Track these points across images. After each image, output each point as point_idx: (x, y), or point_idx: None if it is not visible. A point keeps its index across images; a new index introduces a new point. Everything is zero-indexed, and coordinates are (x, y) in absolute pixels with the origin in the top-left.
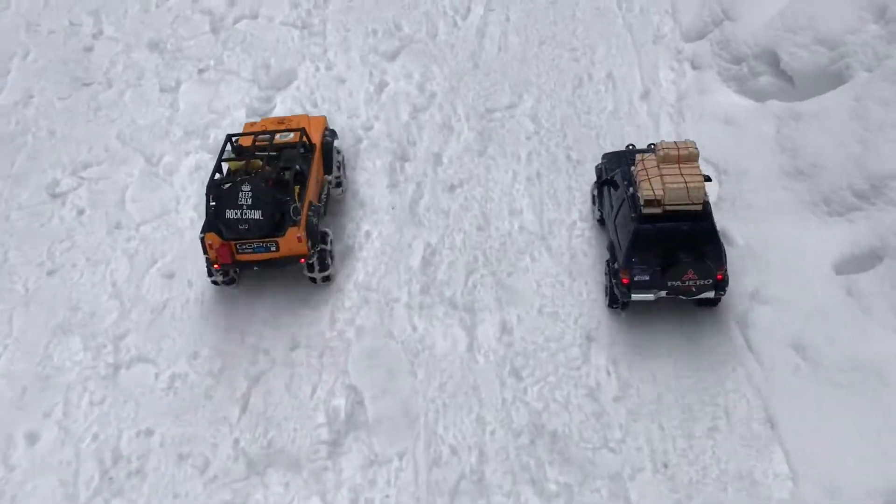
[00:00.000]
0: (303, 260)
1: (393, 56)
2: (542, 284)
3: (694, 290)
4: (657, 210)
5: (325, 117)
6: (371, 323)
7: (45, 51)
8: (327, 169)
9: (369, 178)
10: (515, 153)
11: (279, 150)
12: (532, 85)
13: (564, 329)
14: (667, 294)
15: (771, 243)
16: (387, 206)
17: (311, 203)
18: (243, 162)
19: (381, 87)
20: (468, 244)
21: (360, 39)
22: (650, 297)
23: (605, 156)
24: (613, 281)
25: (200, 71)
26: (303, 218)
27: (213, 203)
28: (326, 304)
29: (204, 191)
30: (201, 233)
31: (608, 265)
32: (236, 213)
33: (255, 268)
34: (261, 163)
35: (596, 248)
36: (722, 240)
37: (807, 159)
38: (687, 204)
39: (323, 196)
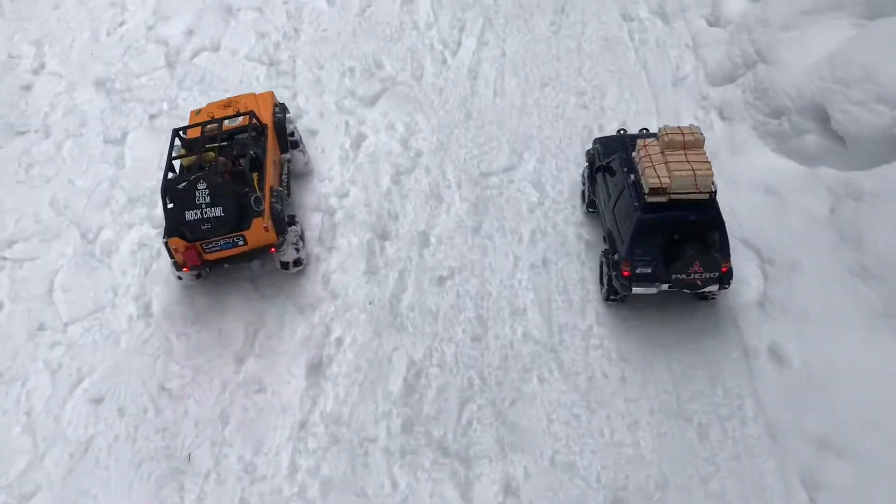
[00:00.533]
0: (273, 249)
1: (373, 101)
2: (553, 419)
3: (699, 283)
4: (662, 199)
5: (272, 92)
6: (340, 473)
7: None
8: (283, 148)
9: (343, 260)
10: (516, 231)
11: (230, 137)
12: (533, 140)
13: (584, 490)
14: (669, 287)
15: (837, 368)
16: (363, 300)
17: (272, 189)
18: (195, 156)
19: (359, 141)
20: (461, 360)
21: (334, 80)
22: (652, 290)
23: (598, 140)
24: (613, 273)
25: (152, 117)
26: (266, 206)
27: (171, 205)
28: (286, 444)
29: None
30: (164, 237)
31: (605, 255)
32: (196, 214)
33: (225, 265)
34: (213, 154)
35: (618, 366)
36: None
37: (874, 254)
38: (694, 192)
39: (284, 177)
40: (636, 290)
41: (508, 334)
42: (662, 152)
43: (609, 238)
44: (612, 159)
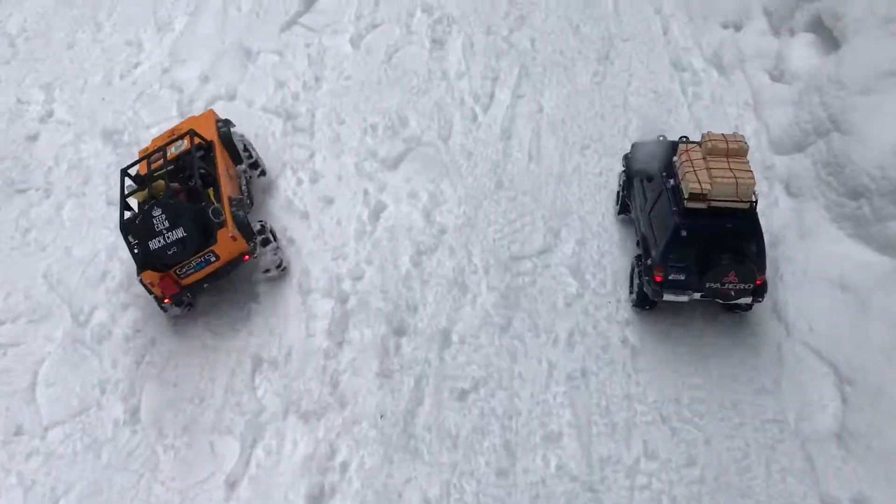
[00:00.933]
0: (247, 257)
1: (395, 164)
2: None
3: (733, 294)
4: (702, 205)
5: (212, 110)
6: None
7: None
8: (236, 160)
9: (355, 358)
10: (551, 330)
11: (177, 162)
12: (573, 216)
13: None
14: (701, 297)
15: None
16: (374, 411)
17: (230, 198)
18: (146, 189)
19: (378, 211)
20: (483, 503)
21: (355, 137)
22: (683, 298)
23: (636, 145)
24: (645, 278)
25: None
26: (227, 215)
27: (134, 242)
28: None
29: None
30: (138, 275)
31: (638, 261)
32: (160, 241)
33: (205, 285)
34: (163, 182)
35: None
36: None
37: None
38: (734, 201)
39: (243, 187)
40: (667, 297)
41: (540, 467)
42: (704, 158)
43: (643, 242)
44: (649, 164)
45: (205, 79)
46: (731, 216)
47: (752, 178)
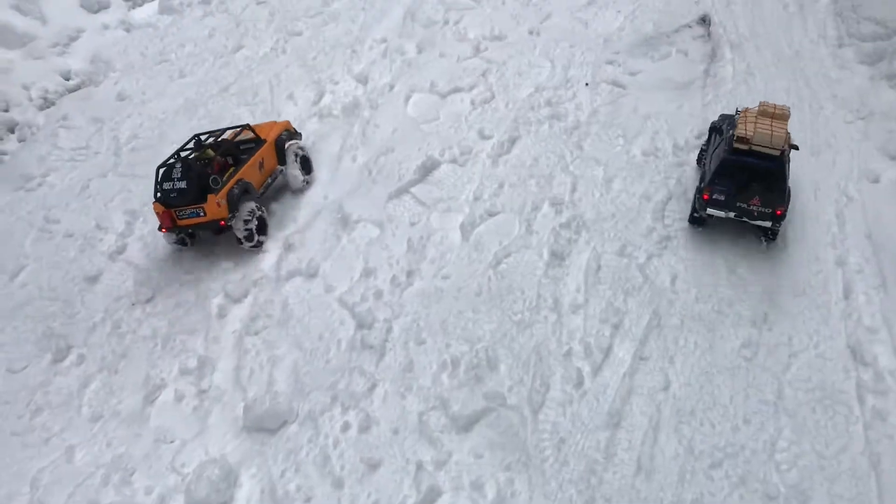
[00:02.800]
0: (223, 223)
1: (467, 425)
2: None
3: (755, 214)
4: (744, 147)
5: (288, 121)
6: None
7: (39, 272)
8: (280, 161)
9: None
10: None
11: (237, 146)
12: None
13: None
14: (734, 216)
15: None
16: None
17: (239, 181)
18: (198, 153)
19: (430, 499)
20: None
21: (429, 373)
22: (721, 214)
23: (721, 116)
24: (696, 197)
25: (199, 391)
26: (224, 188)
27: (158, 181)
28: None
29: None
30: (153, 203)
31: (697, 188)
32: (170, 185)
33: (189, 230)
34: (210, 151)
35: None
36: (789, 184)
37: None
38: (768, 147)
39: (268, 180)
40: (710, 210)
41: None
42: (756, 117)
43: (703, 176)
44: (723, 123)
45: (288, 247)
46: (765, 158)
47: (785, 132)
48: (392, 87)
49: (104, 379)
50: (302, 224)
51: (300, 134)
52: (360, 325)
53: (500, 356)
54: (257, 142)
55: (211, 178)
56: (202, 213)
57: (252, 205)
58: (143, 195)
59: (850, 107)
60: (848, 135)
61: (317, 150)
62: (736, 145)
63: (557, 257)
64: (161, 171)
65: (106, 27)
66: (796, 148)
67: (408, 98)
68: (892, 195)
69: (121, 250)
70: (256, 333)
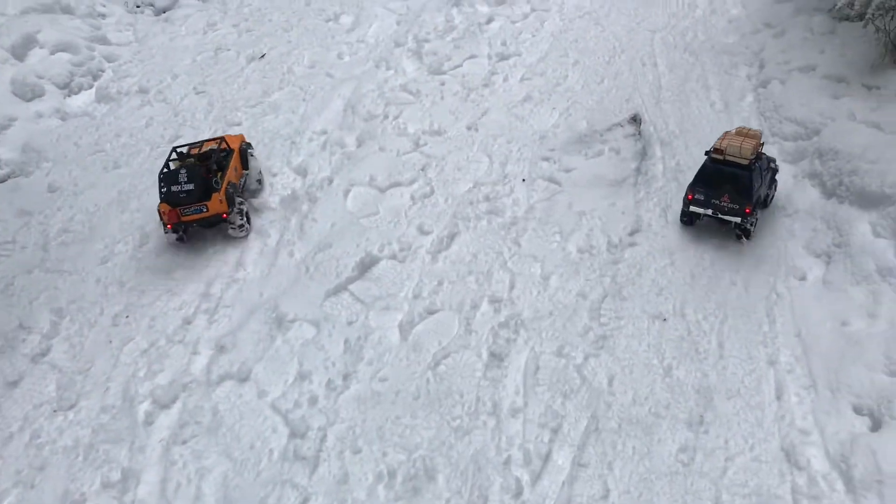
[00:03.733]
0: (225, 216)
1: None
2: None
3: (726, 209)
4: (720, 157)
5: (242, 135)
6: None
7: None
8: (244, 166)
9: None
10: None
11: (208, 152)
12: None
13: None
14: (711, 213)
15: None
16: None
17: (230, 182)
18: (182, 162)
19: None
20: None
21: (364, 486)
22: (701, 211)
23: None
24: (683, 199)
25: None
26: (222, 188)
27: (163, 185)
28: None
29: None
30: (159, 205)
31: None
32: (177, 188)
33: (194, 225)
34: (194, 161)
35: None
36: (755, 186)
37: None
38: (738, 157)
39: (242, 182)
40: (693, 208)
41: None
42: (732, 136)
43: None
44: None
45: (220, 348)
46: (736, 166)
47: (752, 147)
48: (331, 181)
49: (19, 494)
50: (235, 323)
51: (251, 144)
52: (294, 434)
53: (438, 465)
54: (228, 151)
55: (213, 180)
56: (205, 210)
57: (239, 199)
58: (72, 292)
59: (776, 204)
60: (775, 232)
61: (250, 246)
62: (713, 156)
63: (496, 358)
64: (163, 178)
65: (40, 116)
66: (776, 169)
67: (347, 192)
68: (818, 293)
69: (44, 352)
70: (184, 442)
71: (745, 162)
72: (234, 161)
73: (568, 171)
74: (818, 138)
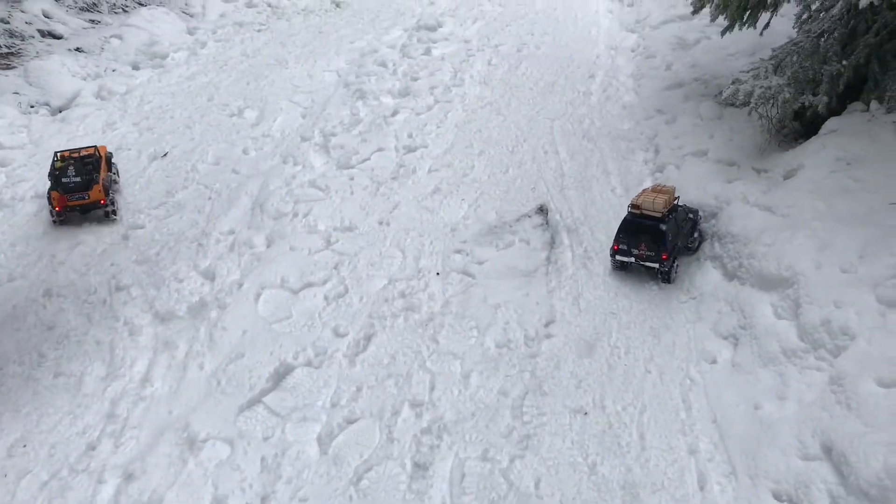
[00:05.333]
0: (103, 201)
1: None
2: None
3: (644, 258)
4: (637, 211)
5: (105, 146)
6: None
7: None
8: (109, 169)
9: None
10: None
11: (82, 159)
12: None
13: None
14: (634, 261)
15: None
16: None
17: (104, 178)
18: (62, 163)
19: None
20: None
21: None
22: (625, 259)
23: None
24: (610, 250)
25: None
26: (100, 181)
27: (52, 180)
28: None
29: None
30: (48, 192)
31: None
32: (67, 179)
33: (77, 210)
34: (72, 162)
35: None
36: (669, 236)
37: None
38: (652, 211)
39: (108, 179)
40: (618, 258)
41: None
42: (649, 192)
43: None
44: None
45: (128, 476)
46: (651, 219)
47: (664, 201)
48: (241, 285)
49: None
50: (144, 446)
51: (111, 154)
52: None
53: None
54: (98, 157)
55: (94, 175)
56: (87, 197)
57: (114, 199)
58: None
59: (681, 287)
60: (683, 316)
61: (158, 360)
62: (632, 210)
63: (421, 468)
64: (53, 173)
65: None
66: (696, 218)
67: (258, 295)
68: (729, 377)
69: None
70: None
71: (659, 215)
72: (103, 164)
73: (481, 262)
74: (716, 221)
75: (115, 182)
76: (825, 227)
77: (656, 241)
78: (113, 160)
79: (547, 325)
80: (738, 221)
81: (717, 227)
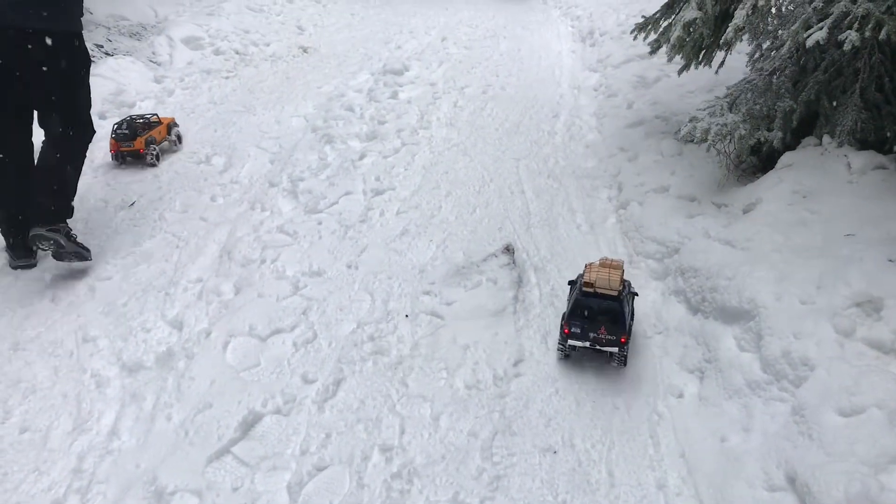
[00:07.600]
0: (142, 150)
1: None
2: None
3: (604, 341)
4: (591, 290)
5: (173, 118)
6: None
7: None
8: (169, 134)
9: None
10: None
11: (141, 118)
12: None
13: None
14: (589, 344)
15: None
16: None
17: (150, 137)
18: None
19: None
20: None
21: None
22: (579, 344)
23: (578, 275)
24: (560, 332)
25: None
26: (144, 137)
27: (112, 132)
28: None
29: None
30: (111, 140)
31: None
32: (120, 132)
33: (128, 158)
34: (128, 119)
35: None
36: (627, 316)
37: None
38: (608, 289)
39: (161, 140)
40: (570, 342)
41: None
42: (598, 268)
43: (562, 318)
44: (577, 278)
45: None
46: (607, 298)
47: (618, 278)
48: (209, 333)
49: None
50: (111, 502)
51: (175, 120)
52: None
53: None
54: (158, 122)
55: (139, 131)
56: (132, 145)
57: (154, 147)
58: None
59: (647, 322)
60: (649, 351)
61: (125, 412)
62: (585, 289)
63: None
64: (115, 126)
65: None
66: (636, 294)
67: (226, 344)
68: (696, 410)
69: None
70: None
71: (615, 293)
72: (162, 128)
73: (449, 303)
74: (678, 256)
75: (176, 144)
76: (784, 259)
77: (616, 323)
78: (177, 128)
79: (515, 364)
80: (701, 256)
81: (679, 262)
